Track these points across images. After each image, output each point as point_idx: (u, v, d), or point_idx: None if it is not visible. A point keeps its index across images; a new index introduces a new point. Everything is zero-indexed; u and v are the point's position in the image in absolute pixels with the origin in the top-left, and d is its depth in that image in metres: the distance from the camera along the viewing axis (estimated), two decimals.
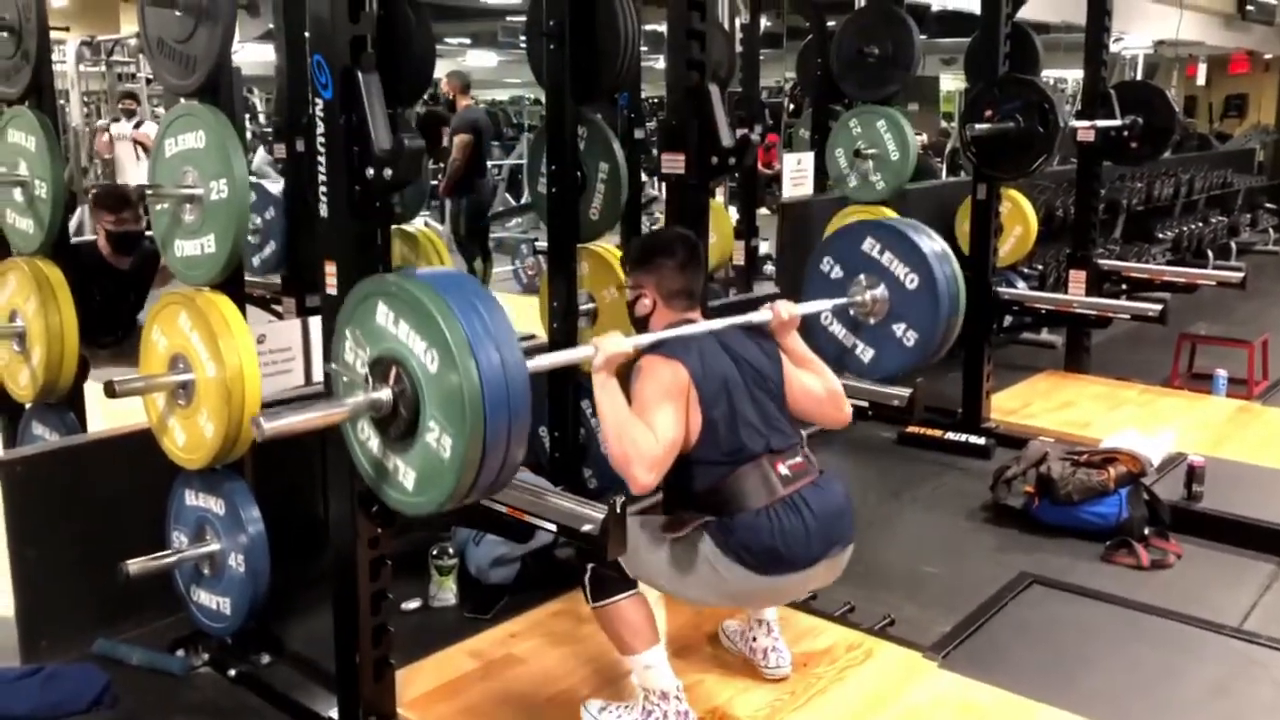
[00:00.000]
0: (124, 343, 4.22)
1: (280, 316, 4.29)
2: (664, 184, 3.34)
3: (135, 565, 2.54)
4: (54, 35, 8.79)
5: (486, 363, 1.83)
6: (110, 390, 2.42)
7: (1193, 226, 8.77)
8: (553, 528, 2.03)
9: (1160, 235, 8.29)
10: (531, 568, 3.18)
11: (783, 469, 2.35)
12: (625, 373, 2.33)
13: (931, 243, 3.15)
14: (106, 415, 3.28)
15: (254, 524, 2.58)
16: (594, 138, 3.42)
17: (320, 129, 2.20)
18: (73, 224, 6.57)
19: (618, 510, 1.94)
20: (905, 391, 2.81)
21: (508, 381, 1.85)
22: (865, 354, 3.24)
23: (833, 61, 4.84)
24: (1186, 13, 8.50)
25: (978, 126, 4.34)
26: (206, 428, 2.50)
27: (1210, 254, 8.81)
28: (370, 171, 2.14)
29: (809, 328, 2.62)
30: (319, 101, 2.18)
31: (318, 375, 3.35)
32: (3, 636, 2.75)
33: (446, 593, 3.10)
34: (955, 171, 9.64)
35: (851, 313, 3.22)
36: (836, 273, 3.23)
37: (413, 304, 1.90)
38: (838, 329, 3.28)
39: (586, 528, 1.95)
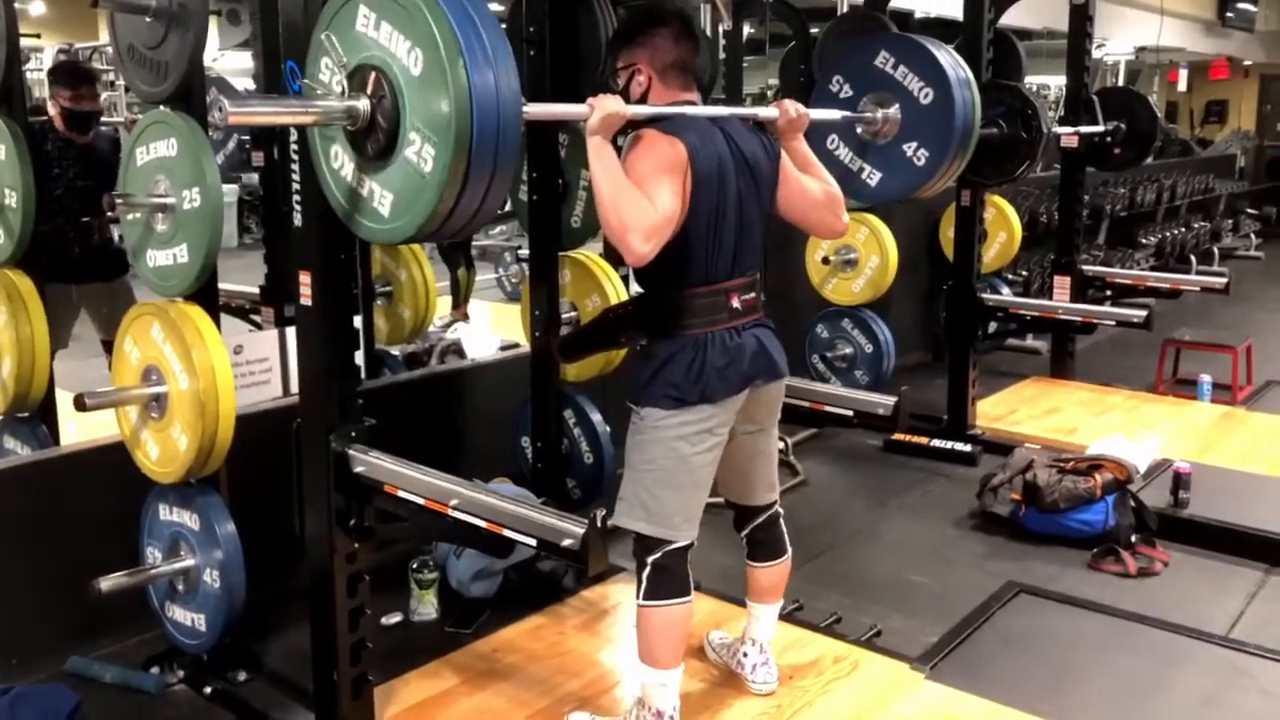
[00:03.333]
0: (110, 277, 4.06)
1: (259, 327, 4.23)
2: None
3: (108, 582, 2.48)
4: (30, 43, 8.69)
5: (475, 66, 1.71)
6: (80, 404, 2.37)
7: (1176, 232, 8.82)
8: (532, 543, 1.99)
9: (1143, 241, 8.33)
10: (514, 581, 3.13)
11: (735, 302, 2.28)
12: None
13: (948, 55, 3.03)
14: (80, 426, 3.22)
15: (229, 539, 2.53)
16: (576, 144, 3.38)
17: (293, 136, 2.16)
18: None
19: (598, 524, 1.90)
20: (891, 400, 2.78)
21: (499, 89, 1.73)
22: (872, 177, 3.12)
23: (816, 68, 4.83)
24: (1167, 19, 8.54)
25: None
26: (180, 441, 2.45)
27: (1193, 259, 8.85)
28: None
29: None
30: None
31: (295, 387, 3.31)
32: None
33: (427, 607, 3.05)
34: None
35: (859, 130, 3.09)
36: (846, 91, 3.10)
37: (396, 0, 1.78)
38: (843, 152, 3.14)
39: (567, 543, 1.91)
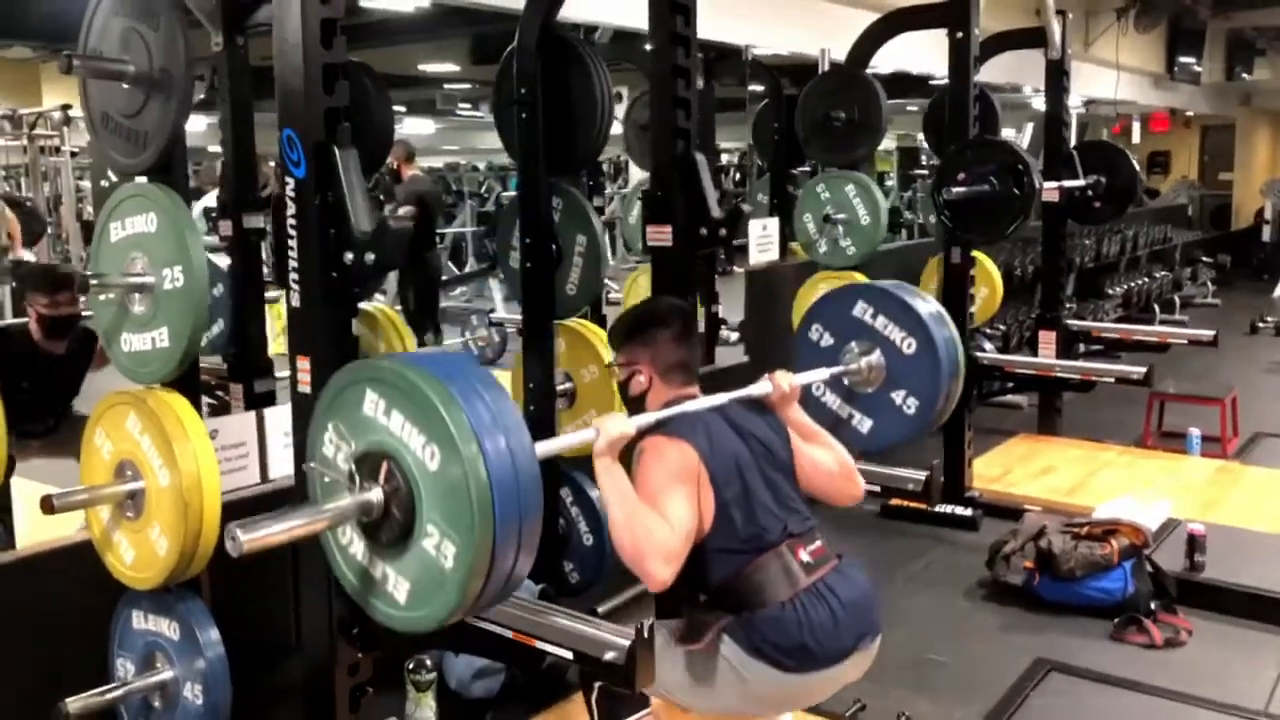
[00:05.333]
0: (57, 430, 3.87)
1: (221, 403, 3.97)
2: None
3: (77, 703, 2.21)
4: None
5: (495, 458, 1.63)
6: (48, 506, 2.13)
7: (1140, 282, 8.88)
8: (569, 655, 1.79)
9: (1110, 291, 8.36)
10: (517, 678, 2.91)
11: (804, 555, 2.15)
12: (625, 456, 2.11)
13: (926, 305, 3.01)
14: (39, 525, 2.95)
15: (213, 648, 2.27)
16: (570, 209, 3.22)
17: (290, 210, 1.97)
18: None
19: (645, 635, 1.71)
20: (921, 475, 2.64)
21: (518, 476, 1.66)
22: (863, 424, 3.05)
23: (798, 125, 4.74)
24: (1121, 73, 8.70)
25: (953, 190, 4.25)
26: (159, 543, 2.21)
27: (1157, 308, 8.91)
28: (349, 256, 1.94)
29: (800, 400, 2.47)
30: (290, 180, 1.96)
31: (275, 471, 3.06)
32: None
33: (425, 711, 2.80)
34: (895, 230, 9.64)
35: (846, 381, 3.03)
36: (826, 340, 3.06)
37: (409, 392, 1.70)
38: (831, 399, 3.09)
39: (610, 656, 1.72)
